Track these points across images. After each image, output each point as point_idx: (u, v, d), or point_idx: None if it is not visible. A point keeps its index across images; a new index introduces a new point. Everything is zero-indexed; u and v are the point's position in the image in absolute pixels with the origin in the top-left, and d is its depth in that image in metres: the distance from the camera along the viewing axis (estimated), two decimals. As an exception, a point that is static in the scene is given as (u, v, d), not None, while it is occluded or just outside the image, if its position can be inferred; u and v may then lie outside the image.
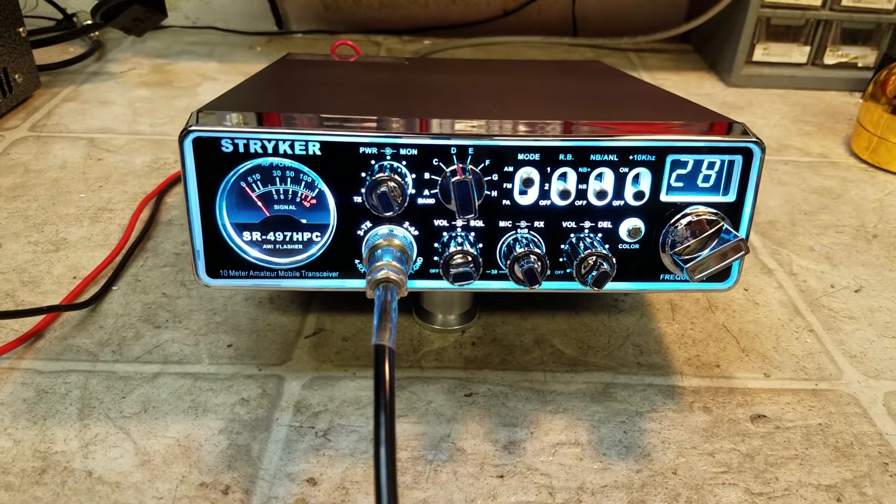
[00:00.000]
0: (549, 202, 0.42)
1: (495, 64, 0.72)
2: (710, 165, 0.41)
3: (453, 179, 0.39)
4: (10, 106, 0.85)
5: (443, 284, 0.43)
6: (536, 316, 0.55)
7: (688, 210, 0.42)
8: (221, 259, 0.42)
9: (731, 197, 0.42)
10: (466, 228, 0.42)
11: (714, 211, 0.41)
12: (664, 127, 0.42)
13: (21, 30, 0.85)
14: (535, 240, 0.42)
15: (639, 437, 0.45)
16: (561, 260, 0.43)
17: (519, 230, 0.42)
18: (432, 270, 0.43)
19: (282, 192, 0.41)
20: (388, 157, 0.40)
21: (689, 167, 0.41)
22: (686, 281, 0.43)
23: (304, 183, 0.41)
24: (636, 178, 0.41)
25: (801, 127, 0.93)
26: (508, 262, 0.41)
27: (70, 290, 0.55)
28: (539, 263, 0.41)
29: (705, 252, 0.40)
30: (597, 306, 0.56)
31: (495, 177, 0.41)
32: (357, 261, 0.43)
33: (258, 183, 0.41)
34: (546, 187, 0.41)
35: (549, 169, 0.41)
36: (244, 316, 0.54)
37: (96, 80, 0.97)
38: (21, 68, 0.86)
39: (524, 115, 0.44)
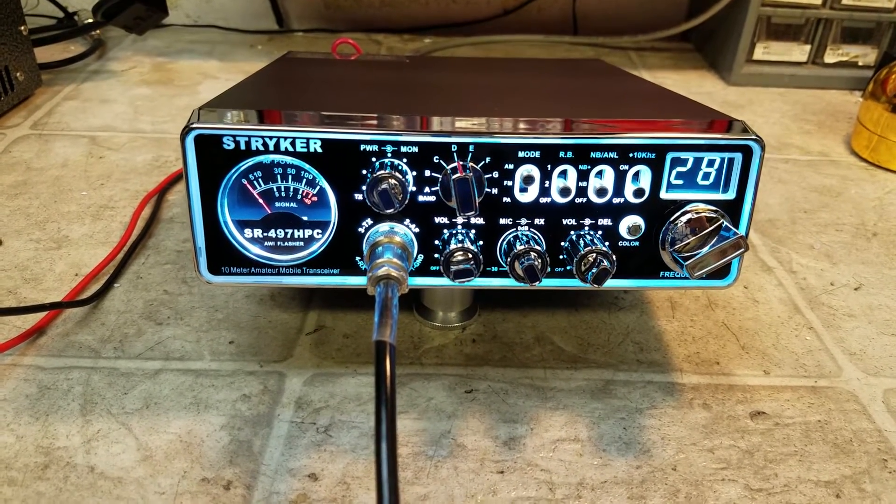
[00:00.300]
0: (549, 199, 0.42)
1: (496, 62, 0.72)
2: (710, 163, 0.41)
3: (454, 177, 0.39)
4: (11, 104, 0.85)
5: (443, 281, 0.43)
6: (537, 313, 0.55)
7: (688, 207, 0.42)
8: (223, 256, 0.42)
9: (730, 194, 0.42)
10: (467, 226, 0.42)
11: (714, 208, 0.41)
12: (664, 125, 0.42)
13: (22, 28, 0.86)
14: (536, 237, 0.42)
15: (638, 434, 0.45)
16: (561, 257, 0.43)
17: (519, 227, 0.42)
18: (433, 267, 0.43)
19: (283, 189, 0.41)
20: (389, 155, 0.40)
21: (689, 165, 0.41)
22: (686, 278, 0.43)
23: (305, 180, 0.41)
24: (636, 175, 0.41)
25: (802, 125, 0.93)
26: (509, 260, 0.41)
27: (72, 287, 0.55)
28: (539, 260, 0.41)
29: (705, 249, 0.40)
30: (597, 303, 0.56)
31: (496, 174, 0.41)
32: (358, 258, 0.43)
33: (259, 180, 0.41)
34: (546, 185, 0.41)
35: (549, 166, 0.41)
36: (245, 313, 0.54)
37: (97, 79, 0.98)
38: (22, 66, 0.86)
39: (524, 112, 0.44)
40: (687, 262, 0.40)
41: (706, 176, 0.42)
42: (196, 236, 0.41)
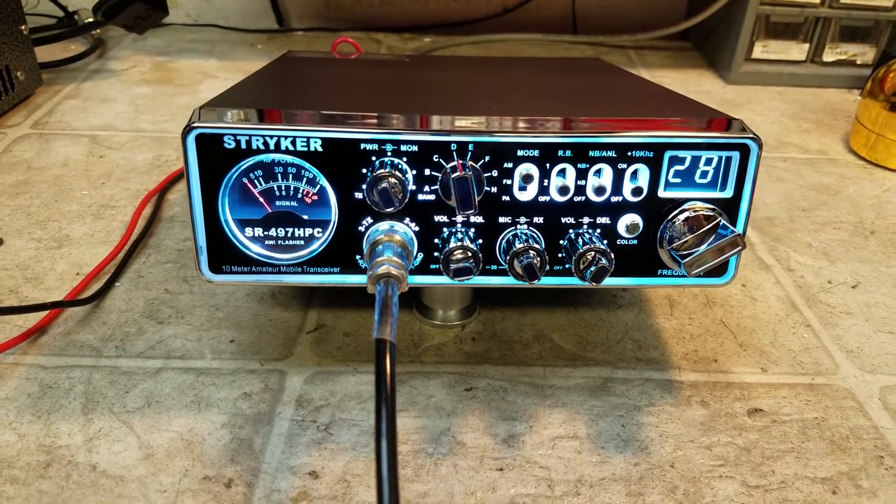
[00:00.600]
0: (548, 198, 0.42)
1: (495, 61, 0.73)
2: (708, 161, 0.42)
3: (453, 176, 0.39)
4: (12, 103, 0.86)
5: (443, 280, 0.43)
6: (536, 311, 0.55)
7: (685, 206, 0.42)
8: (224, 255, 0.42)
9: (728, 193, 0.42)
10: (466, 224, 0.42)
11: (711, 207, 0.42)
12: (662, 123, 0.42)
13: (23, 28, 0.86)
14: (535, 235, 0.42)
15: (637, 431, 0.45)
16: (560, 255, 0.43)
17: (518, 226, 0.43)
18: (433, 266, 0.43)
19: (283, 188, 0.41)
20: (389, 154, 0.40)
21: (687, 163, 0.42)
22: (683, 276, 0.44)
23: (305, 179, 0.41)
24: (634, 174, 0.42)
25: (800, 124, 0.93)
26: (508, 258, 0.42)
27: (73, 286, 0.56)
28: (538, 259, 0.41)
29: (703, 247, 0.41)
30: (595, 301, 0.57)
31: (495, 173, 0.41)
32: (358, 256, 0.43)
33: (260, 179, 0.41)
34: (545, 183, 0.42)
35: (548, 165, 0.41)
36: (246, 311, 0.54)
37: (98, 78, 0.98)
38: (23, 66, 0.86)
39: (523, 111, 0.45)
40: (685, 260, 0.41)
41: (704, 174, 0.42)
42: (197, 235, 0.42)
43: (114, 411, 0.45)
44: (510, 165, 0.41)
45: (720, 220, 0.41)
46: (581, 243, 0.42)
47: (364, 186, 0.41)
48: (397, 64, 0.67)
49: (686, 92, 1.01)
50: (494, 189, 0.42)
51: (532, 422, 0.46)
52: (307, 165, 0.41)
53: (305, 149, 0.40)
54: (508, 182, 0.41)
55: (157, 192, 0.69)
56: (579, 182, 0.42)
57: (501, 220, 0.42)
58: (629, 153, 0.41)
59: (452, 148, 0.40)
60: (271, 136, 0.40)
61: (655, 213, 0.42)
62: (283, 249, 0.43)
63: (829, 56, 1.04)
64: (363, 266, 0.43)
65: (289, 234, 0.42)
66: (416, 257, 0.43)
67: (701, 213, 0.41)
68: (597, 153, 0.41)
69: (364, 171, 0.41)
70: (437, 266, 0.43)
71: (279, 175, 0.41)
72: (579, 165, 0.41)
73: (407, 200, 0.41)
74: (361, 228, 0.42)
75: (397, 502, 0.29)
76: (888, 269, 0.63)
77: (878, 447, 0.45)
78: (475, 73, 0.63)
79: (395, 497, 0.29)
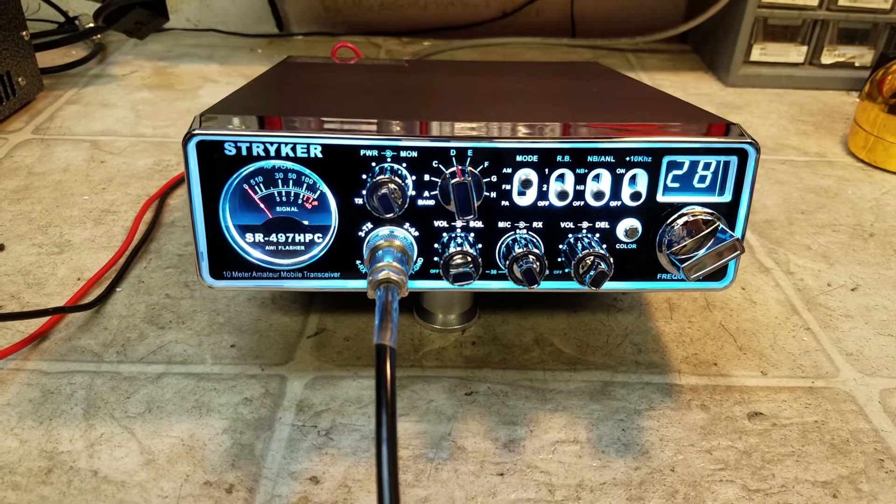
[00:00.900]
0: (547, 203, 0.42)
1: (494, 66, 0.73)
2: (706, 166, 0.42)
3: (453, 181, 0.39)
4: (13, 109, 0.86)
5: (443, 285, 0.44)
6: (536, 315, 0.55)
7: (684, 210, 0.42)
8: (224, 260, 0.43)
9: (726, 197, 0.42)
10: (466, 229, 0.43)
11: (710, 211, 0.42)
12: (660, 129, 0.42)
13: (24, 33, 0.86)
14: (534, 240, 0.42)
15: (637, 435, 0.45)
16: (559, 260, 0.43)
17: (518, 231, 0.43)
18: (432, 271, 0.44)
19: (284, 194, 0.41)
20: (389, 160, 0.41)
21: (685, 168, 0.42)
22: (682, 280, 0.44)
23: (305, 185, 0.41)
24: (633, 178, 0.42)
25: (799, 126, 0.93)
26: (507, 263, 0.42)
27: (74, 291, 0.56)
28: (538, 263, 0.41)
29: (701, 252, 0.41)
30: (596, 305, 0.57)
31: (494, 178, 0.41)
32: (358, 261, 0.43)
33: (260, 185, 0.41)
34: (544, 188, 0.42)
35: (547, 170, 0.41)
36: (247, 316, 0.54)
37: (98, 83, 0.98)
38: (24, 71, 0.87)
39: (522, 117, 0.45)
40: (684, 265, 0.41)
41: (702, 179, 0.42)
42: (198, 241, 0.42)
43: (115, 417, 0.45)
44: (509, 170, 0.41)
45: (719, 225, 0.41)
46: (580, 248, 0.42)
47: (364, 192, 0.41)
48: (396, 69, 0.67)
49: (685, 94, 1.02)
50: (494, 194, 0.42)
51: (532, 426, 0.46)
52: (307, 171, 0.41)
53: (306, 155, 0.40)
54: (507, 187, 0.42)
55: (158, 196, 0.69)
56: (578, 187, 0.42)
57: (501, 225, 0.43)
58: (627, 158, 0.41)
59: (451, 154, 0.41)
60: (272, 143, 0.40)
61: (654, 217, 0.43)
62: (283, 255, 0.43)
63: (827, 58, 1.04)
64: (363, 271, 0.43)
65: (289, 240, 0.43)
66: (415, 262, 0.43)
67: (699, 217, 0.42)
68: (595, 158, 0.41)
69: (364, 176, 0.41)
70: (437, 271, 0.43)
71: (279, 181, 0.41)
72: (578, 170, 0.41)
73: (407, 206, 0.41)
74: (361, 234, 0.42)
75: (398, 508, 0.29)
76: (887, 272, 0.63)
77: (878, 450, 0.45)
78: (473, 77, 0.63)
79: (396, 503, 0.29)
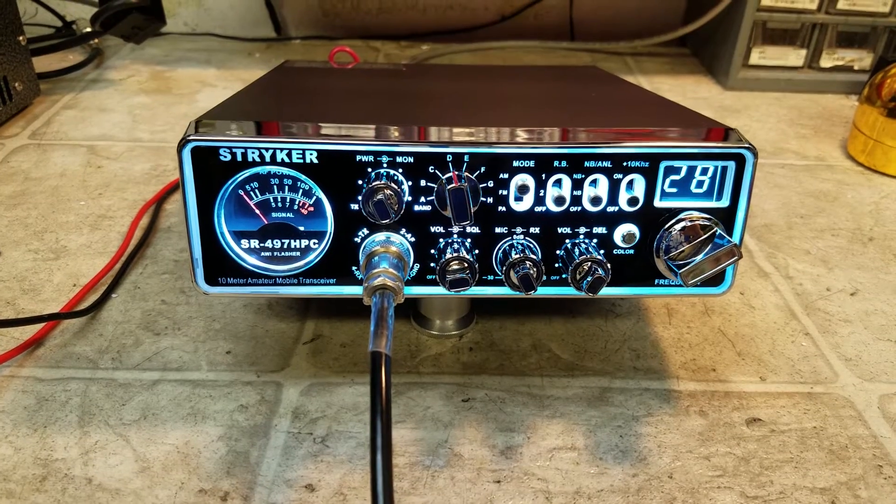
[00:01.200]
0: (544, 208, 0.42)
1: (491, 70, 0.73)
2: (704, 171, 0.42)
3: (449, 187, 0.39)
4: (10, 114, 0.86)
5: (439, 290, 0.43)
6: (533, 321, 0.55)
7: (682, 215, 0.42)
8: (220, 267, 0.42)
9: (724, 202, 0.42)
10: (462, 235, 0.42)
11: (708, 216, 0.42)
12: (658, 134, 0.42)
13: (21, 38, 0.86)
14: (531, 246, 0.42)
15: (635, 442, 0.45)
16: (556, 266, 0.43)
17: (514, 236, 0.42)
18: (429, 277, 0.43)
19: (279, 199, 0.41)
20: (385, 165, 0.40)
21: (683, 173, 0.42)
22: (680, 286, 0.43)
23: (301, 191, 0.41)
24: (630, 184, 0.42)
25: (798, 130, 0.93)
26: (504, 269, 0.41)
27: (70, 297, 0.56)
28: (534, 269, 0.41)
29: (699, 257, 0.41)
30: (593, 311, 0.57)
31: (491, 184, 0.41)
32: (354, 267, 0.43)
33: (256, 191, 0.41)
34: (541, 194, 0.42)
35: (543, 176, 0.41)
36: (243, 323, 0.54)
37: (96, 88, 0.98)
38: (21, 76, 0.87)
39: (519, 122, 0.45)
40: (681, 270, 0.41)
41: (700, 184, 0.42)
42: (193, 247, 0.42)
43: (110, 424, 0.45)
44: (506, 176, 0.41)
45: (716, 230, 0.41)
46: (577, 253, 0.41)
47: (360, 198, 0.41)
48: (394, 73, 0.67)
49: (683, 98, 1.02)
50: (490, 200, 0.42)
51: (530, 433, 0.45)
52: (303, 177, 0.41)
53: (301, 161, 0.40)
54: (504, 193, 0.41)
55: (155, 202, 0.69)
56: (575, 192, 0.42)
57: (497, 230, 0.42)
58: (625, 163, 0.41)
59: (448, 159, 0.40)
60: (267, 149, 0.40)
61: (652, 222, 0.42)
62: (279, 261, 0.43)
63: (826, 62, 1.04)
64: (359, 277, 0.43)
65: (285, 246, 0.42)
66: (412, 268, 0.43)
67: (697, 222, 0.41)
68: (592, 164, 0.41)
69: (360, 182, 0.41)
70: (434, 277, 0.43)
71: (275, 187, 0.41)
72: (575, 176, 0.41)
73: (403, 212, 0.41)
74: (357, 239, 0.42)
75: (392, 517, 0.29)
76: (887, 276, 0.63)
77: (876, 456, 0.45)
78: (471, 82, 0.63)
79: (391, 512, 0.29)
